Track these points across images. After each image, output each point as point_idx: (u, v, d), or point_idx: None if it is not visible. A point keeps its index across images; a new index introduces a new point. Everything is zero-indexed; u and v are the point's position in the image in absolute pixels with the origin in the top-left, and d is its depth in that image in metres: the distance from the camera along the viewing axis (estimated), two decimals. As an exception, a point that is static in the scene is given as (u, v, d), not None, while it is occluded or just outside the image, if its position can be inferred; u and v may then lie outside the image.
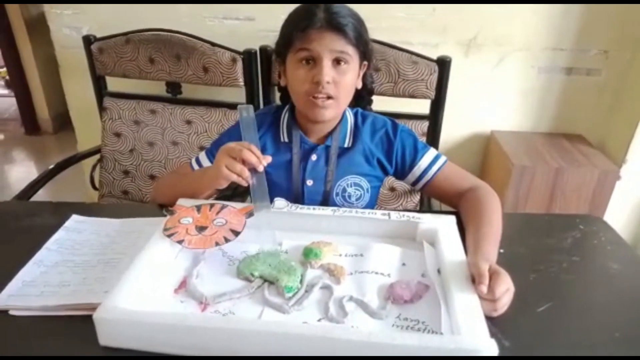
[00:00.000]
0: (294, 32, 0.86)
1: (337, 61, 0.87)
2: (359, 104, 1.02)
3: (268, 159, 0.79)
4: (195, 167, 1.00)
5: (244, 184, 0.78)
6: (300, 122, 0.98)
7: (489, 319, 0.62)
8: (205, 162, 0.99)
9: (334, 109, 0.91)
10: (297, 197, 0.97)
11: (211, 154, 0.99)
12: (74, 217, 0.91)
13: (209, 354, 0.60)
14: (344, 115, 0.98)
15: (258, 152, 0.78)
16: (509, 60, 1.69)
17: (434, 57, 1.35)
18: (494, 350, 0.55)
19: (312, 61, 0.87)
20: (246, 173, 0.77)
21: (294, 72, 0.89)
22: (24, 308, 0.67)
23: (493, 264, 0.69)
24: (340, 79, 0.87)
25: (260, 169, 0.77)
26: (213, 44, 1.44)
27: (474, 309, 0.62)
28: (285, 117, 0.99)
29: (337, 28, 0.84)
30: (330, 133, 0.97)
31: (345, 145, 0.98)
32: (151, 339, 0.60)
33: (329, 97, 0.88)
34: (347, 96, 0.92)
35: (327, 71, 0.86)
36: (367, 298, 0.69)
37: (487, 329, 0.59)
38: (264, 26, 1.64)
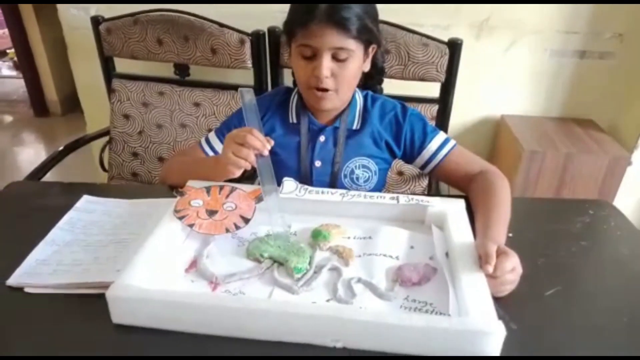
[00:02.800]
0: (295, 24, 0.85)
1: (337, 54, 0.86)
2: (369, 83, 1.02)
3: (271, 141, 0.79)
4: (205, 147, 1.00)
5: (250, 167, 0.79)
6: (308, 104, 0.97)
7: (497, 302, 0.62)
8: (215, 142, 1.00)
9: (335, 100, 0.91)
10: (306, 178, 0.98)
11: (221, 133, 0.99)
12: (85, 198, 0.91)
13: (219, 332, 0.61)
14: (353, 98, 0.97)
15: (261, 136, 0.78)
16: (520, 43, 1.67)
17: (445, 39, 1.33)
18: (501, 333, 0.56)
19: (313, 54, 0.86)
20: (252, 157, 0.78)
21: (296, 62, 0.90)
22: (38, 286, 0.69)
23: (502, 245, 0.69)
24: (340, 71, 0.87)
25: (265, 152, 0.78)
26: (221, 25, 1.43)
27: (482, 291, 0.63)
28: (294, 98, 0.99)
29: (338, 22, 0.82)
30: (339, 115, 0.97)
31: (354, 127, 0.98)
32: (163, 317, 0.61)
33: (327, 90, 0.88)
34: (349, 86, 0.91)
35: (326, 65, 0.85)
36: (375, 280, 0.70)
37: (495, 312, 0.59)
38: (272, 7, 1.62)
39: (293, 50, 0.90)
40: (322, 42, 0.84)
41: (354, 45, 0.85)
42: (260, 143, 0.77)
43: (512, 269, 0.66)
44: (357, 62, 0.89)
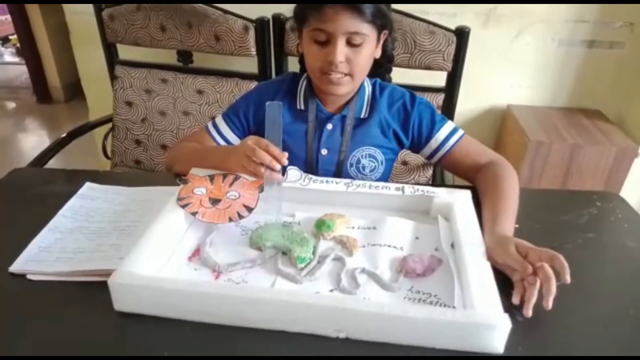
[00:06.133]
0: (308, 9, 0.84)
1: (352, 39, 0.84)
2: (379, 71, 1.00)
3: (284, 160, 0.76)
4: (213, 132, 0.99)
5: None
6: (317, 91, 0.96)
7: (503, 294, 0.61)
8: (223, 127, 0.99)
9: (349, 85, 0.90)
10: (311, 165, 0.97)
11: (229, 117, 0.99)
12: (88, 185, 0.91)
13: (221, 321, 0.61)
14: (361, 86, 0.96)
15: (276, 152, 0.76)
16: (528, 32, 1.64)
17: (452, 27, 1.31)
18: (506, 326, 0.55)
19: (326, 39, 0.85)
20: (260, 171, 0.77)
21: (309, 48, 0.88)
22: (40, 273, 0.68)
23: (518, 242, 0.68)
24: (354, 56, 0.85)
25: (277, 168, 0.76)
26: (225, 12, 1.41)
27: (488, 283, 0.62)
28: (303, 85, 0.98)
29: (353, 6, 0.81)
30: (347, 103, 0.96)
31: (362, 116, 0.97)
32: (165, 304, 0.61)
33: (343, 74, 0.87)
34: (362, 71, 0.90)
35: (341, 51, 0.84)
36: (380, 270, 0.70)
37: (500, 304, 0.59)
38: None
39: (305, 36, 0.88)
40: (336, 26, 0.82)
41: (368, 30, 0.84)
42: (268, 159, 0.75)
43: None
44: (371, 47, 0.88)
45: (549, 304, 0.61)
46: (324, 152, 0.97)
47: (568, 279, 0.62)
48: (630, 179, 1.58)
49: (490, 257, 0.67)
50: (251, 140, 0.79)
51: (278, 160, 0.76)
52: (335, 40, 0.83)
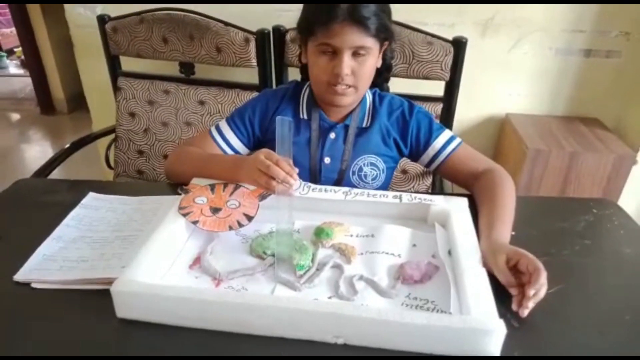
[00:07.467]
0: (315, 23, 0.86)
1: (357, 52, 0.87)
2: (377, 81, 1.02)
3: (295, 176, 0.77)
4: (216, 136, 1.00)
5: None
6: (319, 102, 0.98)
7: (499, 300, 0.62)
8: (227, 131, 1.00)
9: (353, 96, 0.92)
10: (314, 174, 0.99)
11: (233, 122, 1.00)
12: (91, 195, 0.92)
13: (222, 327, 0.62)
14: (363, 96, 0.98)
15: (288, 168, 0.77)
16: (526, 41, 1.66)
17: (450, 37, 1.33)
18: (502, 331, 0.56)
19: (332, 52, 0.87)
20: (272, 186, 0.78)
21: (314, 60, 0.90)
22: (44, 281, 0.70)
23: (510, 250, 0.69)
24: (360, 68, 0.88)
25: (292, 183, 0.77)
26: (226, 24, 1.43)
27: (484, 290, 0.63)
28: (305, 94, 1.00)
29: (359, 22, 0.83)
30: (350, 113, 0.98)
31: (364, 125, 0.99)
32: (166, 312, 0.62)
33: (348, 86, 0.89)
34: (366, 82, 0.93)
35: (347, 64, 0.87)
36: (377, 277, 0.70)
37: (496, 310, 0.59)
38: (277, 6, 1.62)
39: (311, 49, 0.90)
40: (343, 41, 0.85)
41: (372, 43, 0.87)
42: (283, 174, 0.76)
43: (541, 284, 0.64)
44: (374, 58, 0.91)
45: (524, 313, 0.63)
46: (326, 160, 0.98)
47: (530, 293, 0.63)
48: (628, 186, 1.59)
49: (484, 264, 0.68)
50: (263, 154, 0.79)
51: (290, 176, 0.77)
52: (342, 54, 0.86)
